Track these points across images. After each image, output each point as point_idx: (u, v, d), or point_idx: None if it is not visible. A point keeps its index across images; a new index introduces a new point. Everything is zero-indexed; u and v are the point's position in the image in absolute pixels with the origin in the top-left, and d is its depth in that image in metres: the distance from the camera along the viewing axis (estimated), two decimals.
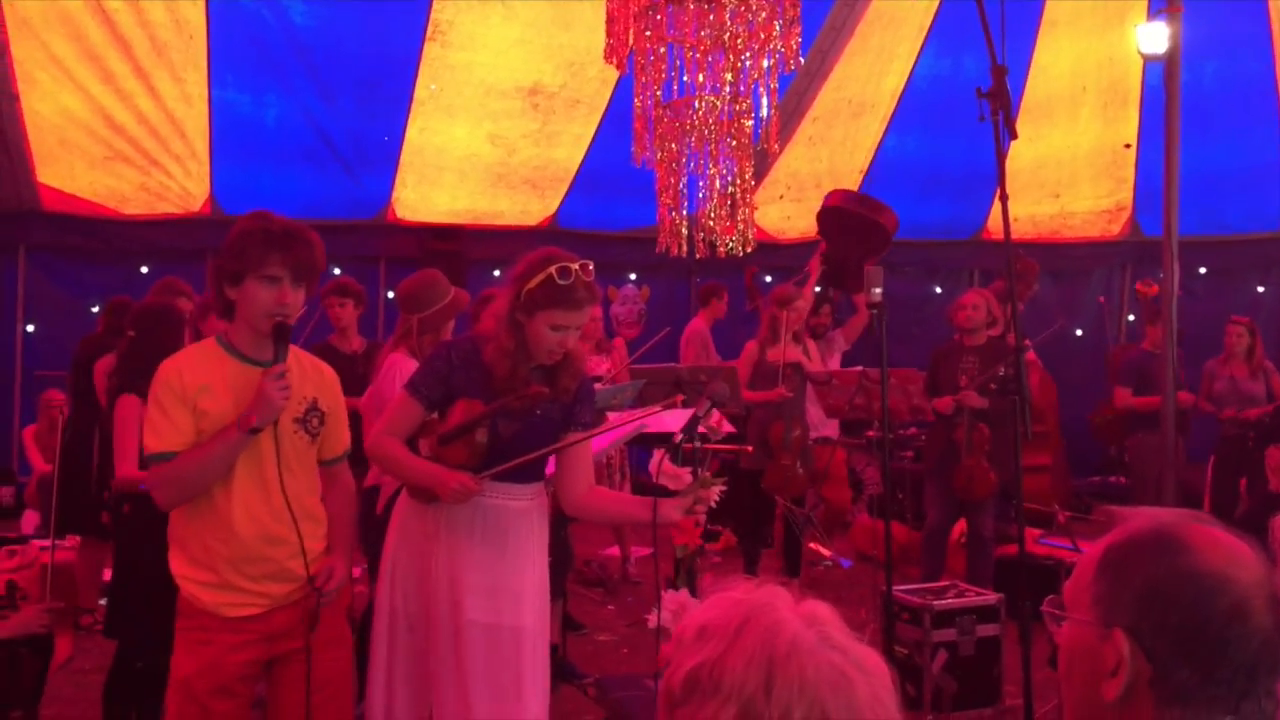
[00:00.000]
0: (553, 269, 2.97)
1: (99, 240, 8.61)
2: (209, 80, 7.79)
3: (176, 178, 8.43)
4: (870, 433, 8.24)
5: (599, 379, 5.81)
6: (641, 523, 2.90)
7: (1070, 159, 9.88)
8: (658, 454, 2.91)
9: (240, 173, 8.49)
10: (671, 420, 4.05)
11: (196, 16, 7.42)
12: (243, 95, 8.05)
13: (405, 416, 3.13)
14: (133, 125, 7.92)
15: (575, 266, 2.99)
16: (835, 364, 6.99)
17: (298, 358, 2.87)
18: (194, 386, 2.72)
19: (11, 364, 8.57)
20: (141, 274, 8.57)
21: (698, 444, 2.96)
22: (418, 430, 3.14)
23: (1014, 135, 2.86)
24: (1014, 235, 10.18)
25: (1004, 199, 2.85)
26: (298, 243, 2.73)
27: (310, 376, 2.90)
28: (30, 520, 7.22)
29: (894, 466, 8.19)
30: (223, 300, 2.78)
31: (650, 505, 2.88)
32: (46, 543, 6.17)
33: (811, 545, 6.65)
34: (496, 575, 3.05)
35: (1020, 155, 9.69)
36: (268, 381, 2.68)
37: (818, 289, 6.83)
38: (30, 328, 8.67)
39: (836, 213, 6.34)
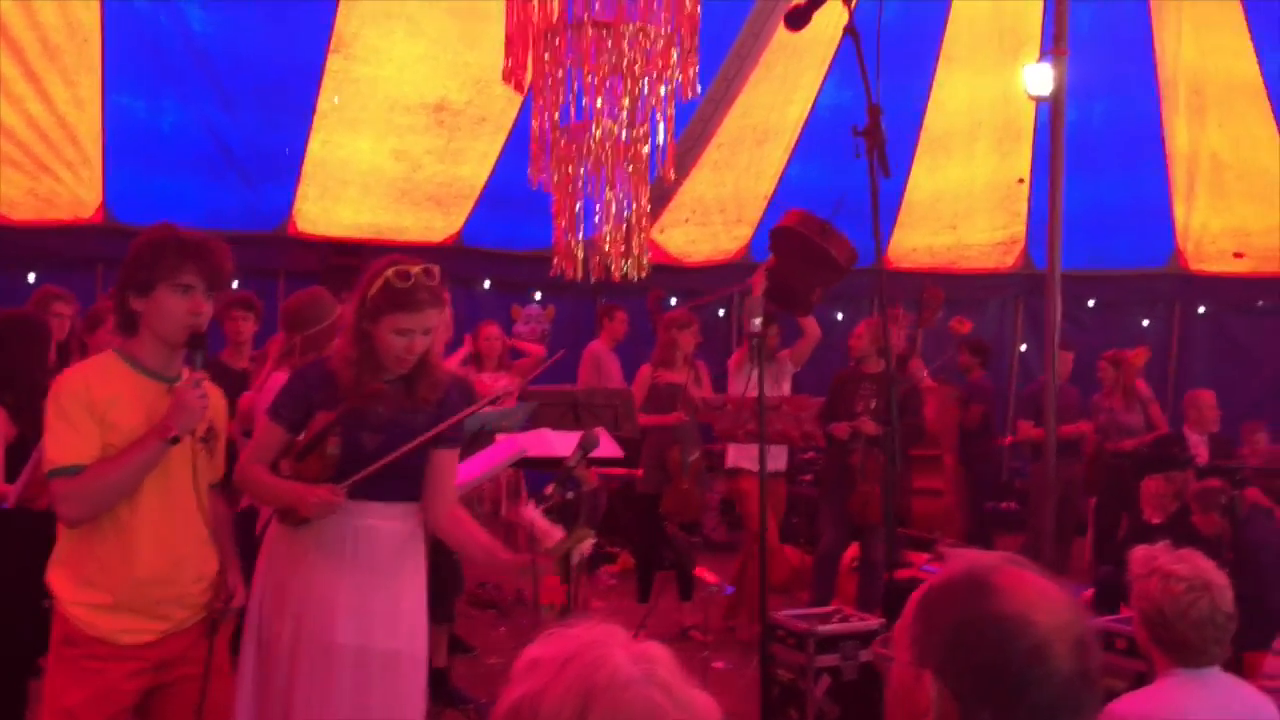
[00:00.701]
0: (390, 272, 2.94)
1: None
2: (103, 85, 7.60)
3: (67, 184, 8.20)
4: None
5: (495, 399, 5.78)
6: (502, 567, 2.89)
7: (967, 192, 10.14)
8: (529, 505, 2.91)
9: (136, 180, 8.29)
10: (556, 443, 4.05)
11: (91, 19, 7.26)
12: (138, 101, 7.88)
13: (268, 442, 3.08)
14: (22, 129, 7.69)
15: (415, 270, 2.95)
16: (786, 389, 6.90)
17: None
18: (102, 399, 2.66)
19: None
20: (29, 282, 8.30)
21: (570, 495, 2.95)
22: (282, 454, 3.09)
23: (886, 174, 2.93)
24: (913, 265, 10.46)
25: (876, 235, 2.92)
26: (211, 252, 2.71)
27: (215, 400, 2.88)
28: None
29: (792, 491, 8.28)
30: (125, 313, 2.72)
31: (509, 553, 2.88)
32: None
33: (697, 571, 6.69)
34: (369, 597, 3.00)
35: (919, 187, 9.92)
36: (186, 390, 2.65)
37: (757, 320, 6.63)
38: None
39: (791, 234, 6.22)
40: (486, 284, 10.08)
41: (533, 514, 2.87)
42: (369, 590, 3.01)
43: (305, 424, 3.05)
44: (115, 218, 8.35)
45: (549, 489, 2.96)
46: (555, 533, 2.91)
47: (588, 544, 2.90)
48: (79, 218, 8.39)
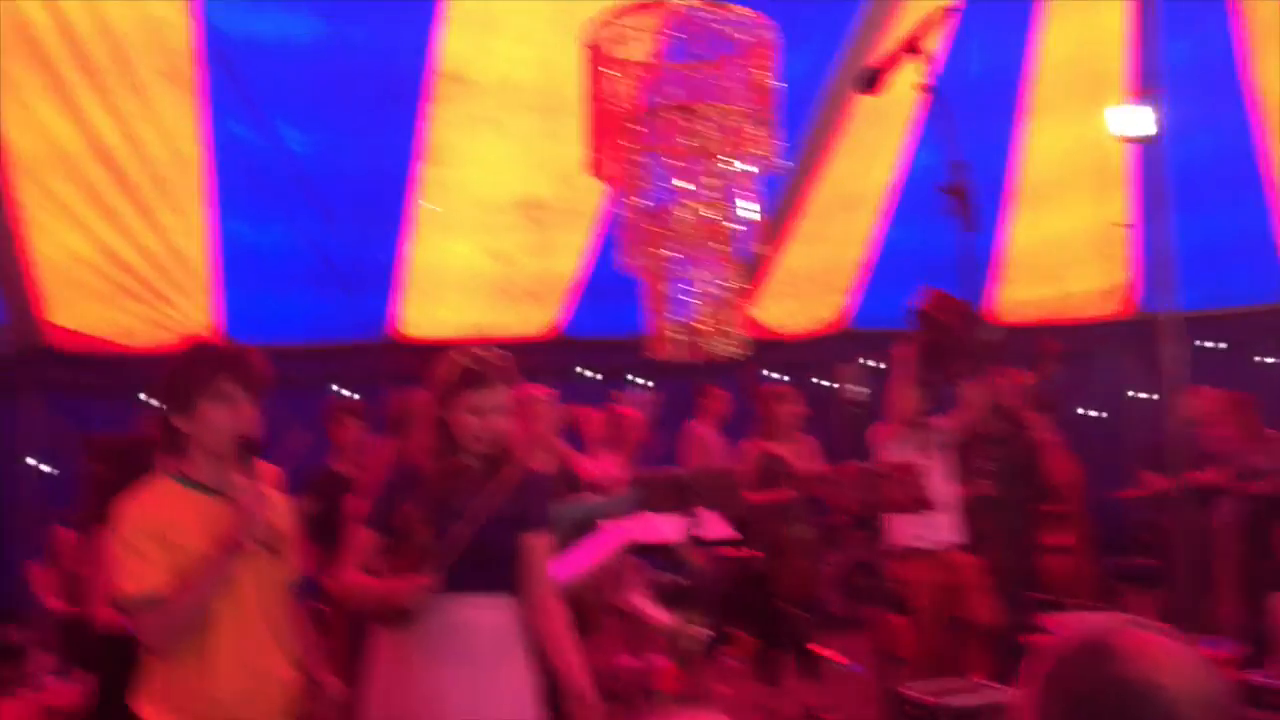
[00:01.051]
0: (458, 356, 3.06)
1: (106, 375, 8.69)
2: (211, 212, 7.95)
3: (183, 309, 8.54)
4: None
5: (599, 487, 5.78)
6: (575, 700, 2.84)
7: (1068, 241, 9.93)
8: (638, 591, 2.86)
9: (246, 300, 8.60)
10: (663, 527, 4.00)
11: (196, 150, 7.61)
12: (244, 224, 8.21)
13: (360, 546, 3.09)
14: (138, 261, 8.06)
15: (481, 351, 3.06)
16: (940, 458, 6.46)
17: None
18: (162, 523, 2.67)
19: (16, 502, 8.60)
20: (150, 406, 8.63)
21: (679, 579, 2.90)
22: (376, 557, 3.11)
23: (971, 229, 2.87)
24: (1018, 319, 10.21)
25: (973, 289, 2.86)
26: (246, 358, 2.76)
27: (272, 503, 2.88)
28: (40, 661, 7.15)
29: None
30: (170, 434, 2.74)
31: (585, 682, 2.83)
32: (54, 685, 6.15)
33: (814, 648, 6.51)
34: (475, 692, 2.96)
35: (1018, 239, 9.75)
36: (245, 496, 2.65)
37: (855, 388, 6.08)
38: (45, 468, 8.70)
39: (932, 319, 5.83)
40: (588, 373, 10.16)
41: (641, 600, 2.82)
42: (475, 685, 2.97)
43: (395, 524, 3.07)
44: (231, 338, 8.67)
45: (658, 574, 2.91)
46: (664, 618, 2.85)
47: (700, 629, 2.84)
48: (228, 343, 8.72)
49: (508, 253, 8.93)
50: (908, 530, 5.58)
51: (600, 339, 9.87)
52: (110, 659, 3.81)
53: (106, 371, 8.66)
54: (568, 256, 9.09)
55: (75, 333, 8.46)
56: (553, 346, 9.69)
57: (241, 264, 8.39)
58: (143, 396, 8.48)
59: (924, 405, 5.81)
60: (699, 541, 3.35)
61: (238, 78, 7.40)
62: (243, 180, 7.92)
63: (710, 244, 5.03)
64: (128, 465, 4.01)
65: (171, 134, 7.42)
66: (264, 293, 8.70)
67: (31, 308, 8.16)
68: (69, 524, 7.02)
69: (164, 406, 2.74)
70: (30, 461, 8.62)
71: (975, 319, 5.56)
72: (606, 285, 9.15)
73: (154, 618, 2.62)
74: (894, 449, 5.74)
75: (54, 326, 8.37)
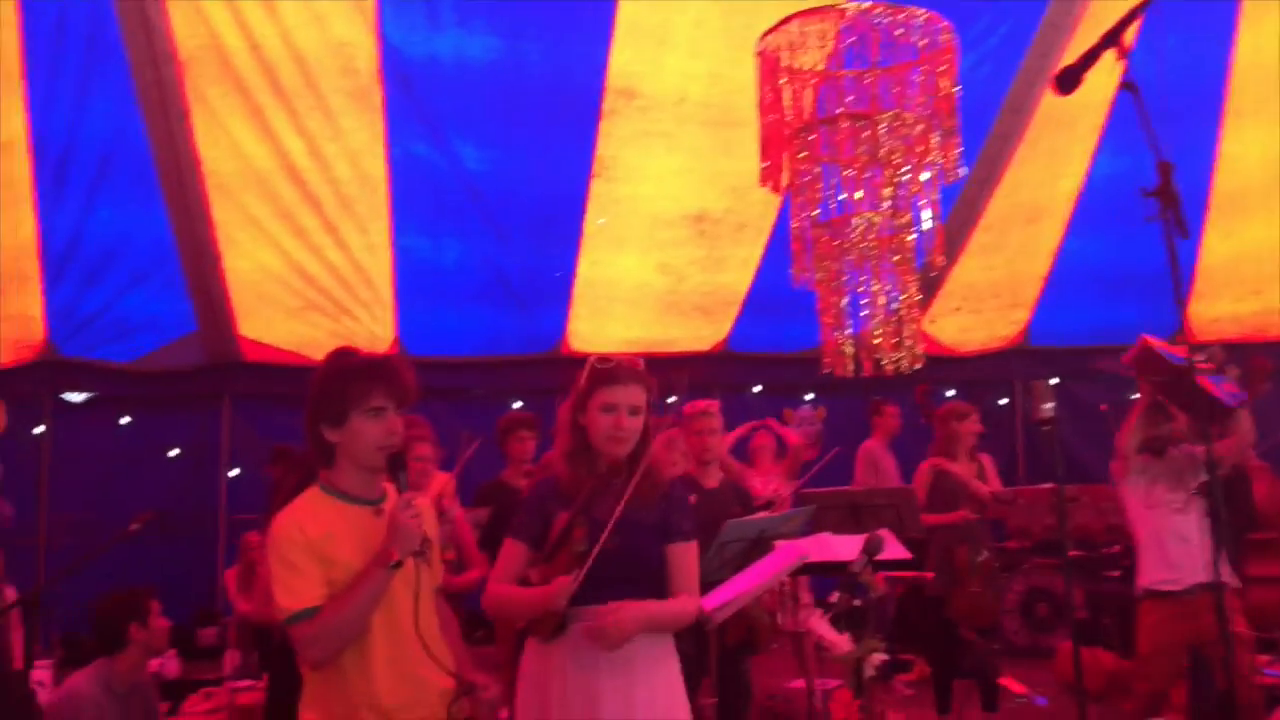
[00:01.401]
0: (592, 359, 3.10)
1: (295, 386, 9.03)
2: (391, 228, 8.20)
3: (364, 322, 8.83)
4: (1072, 553, 7.74)
5: (769, 504, 5.67)
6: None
7: (1269, 253, 9.29)
8: (815, 613, 2.74)
9: (423, 315, 8.84)
10: (838, 547, 3.87)
11: (379, 170, 7.86)
12: (423, 240, 8.43)
13: (510, 559, 3.07)
14: (323, 275, 8.38)
15: (614, 356, 3.09)
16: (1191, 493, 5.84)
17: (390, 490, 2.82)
18: (318, 537, 2.66)
19: (217, 509, 9.04)
20: None
21: (857, 602, 2.77)
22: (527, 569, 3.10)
23: (1184, 234, 2.66)
24: (1216, 335, 9.60)
25: (1180, 301, 2.64)
26: (395, 370, 2.72)
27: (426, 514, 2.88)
28: (231, 660, 7.47)
29: (1098, 589, 7.65)
30: (321, 446, 2.74)
31: None
32: (243, 684, 6.39)
33: (1002, 681, 6.21)
34: (627, 702, 2.92)
35: (1214, 251, 9.20)
36: (400, 512, 2.62)
37: (1047, 406, 5.42)
38: (234, 473, 9.13)
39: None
40: (756, 388, 10.05)
41: (819, 623, 2.71)
42: (628, 693, 2.94)
43: (545, 535, 3.04)
44: (407, 350, 8.92)
45: (834, 596, 2.79)
46: (843, 643, 2.73)
47: (876, 653, 2.71)
48: (377, 354, 8.99)
49: (677, 267, 8.92)
50: (1156, 572, 4.89)
51: (768, 354, 9.76)
52: (281, 661, 3.90)
53: (294, 382, 9.01)
54: (738, 270, 9.02)
55: (264, 345, 8.86)
56: (721, 361, 9.62)
57: (419, 279, 8.62)
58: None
59: (1177, 435, 5.05)
60: (875, 563, 3.21)
61: (416, 97, 7.62)
62: (420, 197, 8.15)
63: (887, 256, 4.88)
64: (309, 473, 4.13)
65: (356, 153, 7.68)
66: (440, 307, 8.92)
67: (224, 321, 8.58)
68: (256, 528, 7.33)
69: (313, 418, 2.71)
70: (225, 468, 9.07)
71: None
72: (775, 299, 9.06)
73: (311, 631, 2.61)
74: (1137, 482, 5.03)
75: (244, 339, 8.79)
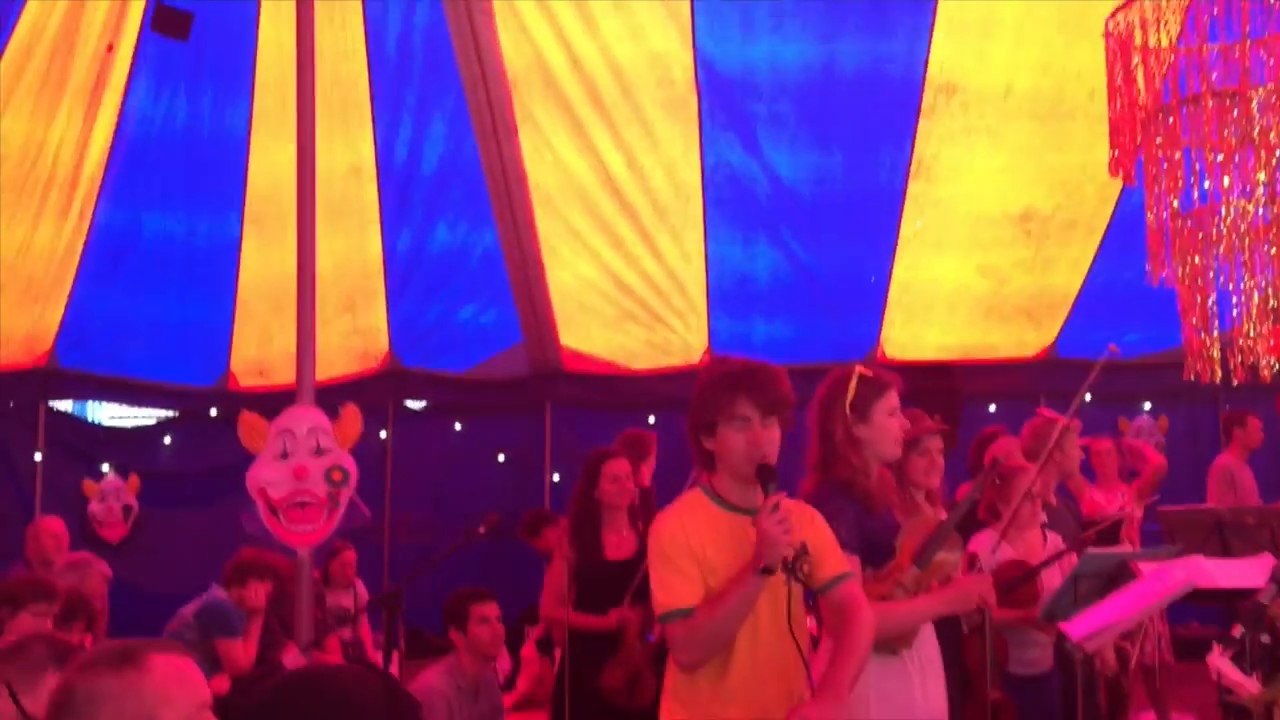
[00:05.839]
0: (850, 371, 3.17)
1: (610, 395, 9.27)
2: (705, 237, 8.24)
3: (678, 332, 8.93)
4: None
5: (1120, 521, 5.24)
6: None
7: None
8: (1215, 649, 2.43)
9: (735, 323, 8.83)
10: (1216, 574, 3.45)
11: (693, 179, 7.92)
12: (734, 249, 8.42)
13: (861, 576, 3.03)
14: (640, 285, 8.54)
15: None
16: None
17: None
18: (698, 541, 2.68)
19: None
20: (649, 424, 9.09)
21: (1265, 639, 2.44)
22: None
23: None
24: None
25: None
26: (760, 379, 2.69)
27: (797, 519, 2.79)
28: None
29: None
30: (701, 452, 2.78)
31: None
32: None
33: None
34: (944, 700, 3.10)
35: None
36: (765, 519, 2.56)
37: None
38: (556, 477, 9.45)
39: None
40: (1088, 397, 9.37)
41: (1220, 660, 2.39)
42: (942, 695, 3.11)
43: (870, 545, 3.06)
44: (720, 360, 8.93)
45: (1236, 630, 2.46)
46: (1250, 684, 2.41)
47: None
48: (688, 363, 9.08)
49: (1000, 269, 8.47)
50: None
51: (1099, 360, 9.08)
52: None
53: (609, 390, 9.26)
54: (1067, 271, 8.46)
55: (583, 355, 9.13)
56: (1047, 367, 9.05)
57: (731, 287, 8.62)
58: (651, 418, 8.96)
59: None
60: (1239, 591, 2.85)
61: (730, 105, 7.63)
62: (733, 205, 8.15)
63: (1262, 247, 4.37)
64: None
65: (672, 163, 7.78)
66: (752, 315, 8.88)
67: (547, 331, 8.91)
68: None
69: (691, 426, 2.77)
70: (548, 473, 9.42)
71: None
72: (1109, 300, 8.45)
73: (684, 633, 2.63)
74: None
75: (565, 349, 9.09)
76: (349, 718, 1.47)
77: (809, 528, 2.77)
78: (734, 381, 2.70)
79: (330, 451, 4.67)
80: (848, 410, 3.10)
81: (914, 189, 7.90)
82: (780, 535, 2.56)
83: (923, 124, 7.54)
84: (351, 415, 4.79)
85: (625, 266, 8.43)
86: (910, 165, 7.78)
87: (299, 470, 4.68)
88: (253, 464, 4.89)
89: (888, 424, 3.12)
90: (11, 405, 8.58)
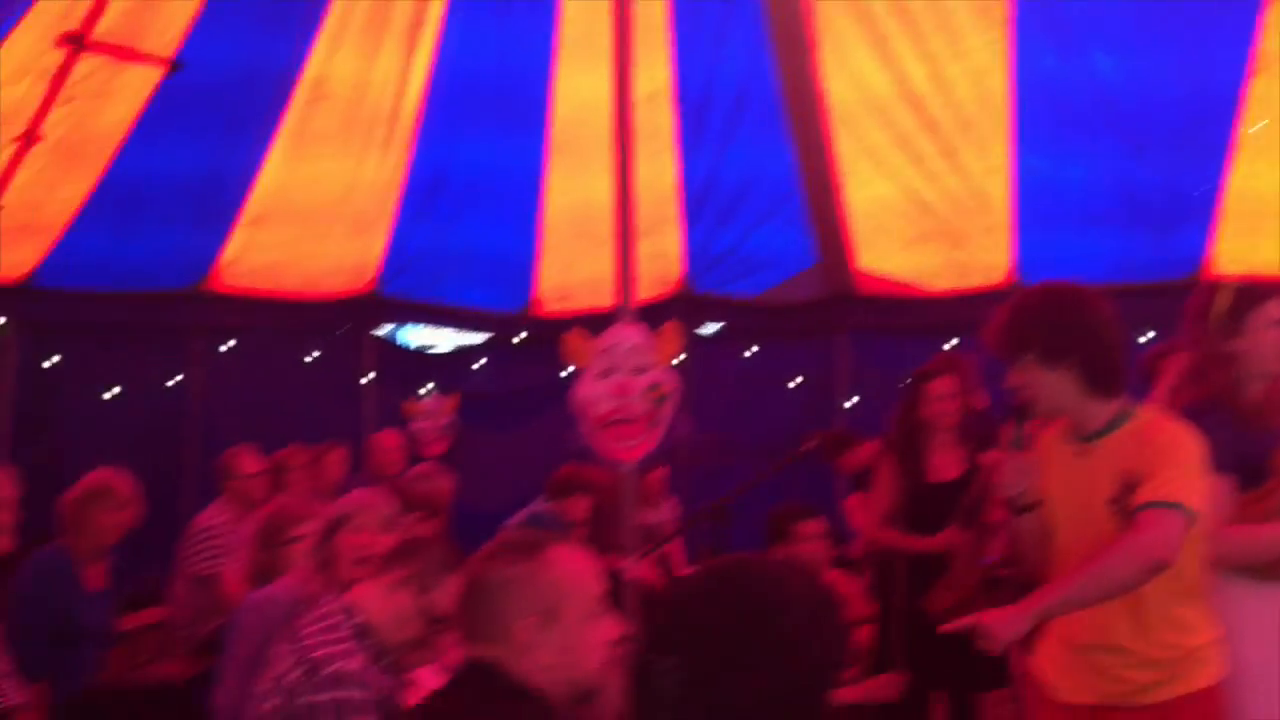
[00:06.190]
0: (1224, 284, 3.08)
1: (909, 319, 9.00)
2: (1013, 150, 7.80)
3: (980, 251, 8.54)
4: None
5: None
6: None
7: None
8: None
9: (1044, 241, 8.35)
10: None
11: (1000, 88, 7.50)
12: (1046, 161, 7.94)
13: (1219, 501, 2.84)
14: (940, 203, 8.21)
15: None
16: None
17: None
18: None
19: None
20: (945, 349, 8.77)
21: None
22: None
23: None
24: None
25: None
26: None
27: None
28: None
29: None
30: None
31: None
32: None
33: None
34: None
35: None
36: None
37: None
38: (849, 404, 9.31)
39: None
40: None
41: None
42: None
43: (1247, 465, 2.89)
44: (1023, 280, 8.48)
45: None
46: None
47: None
48: (990, 283, 8.67)
49: None
50: None
51: None
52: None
53: (907, 314, 8.99)
54: None
55: (879, 277, 8.89)
56: None
57: (1040, 203, 8.14)
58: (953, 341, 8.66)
59: None
60: None
61: (1046, 5, 7.15)
62: (1046, 114, 7.67)
63: None
64: None
65: (980, 72, 7.41)
66: (1062, 233, 8.37)
67: (842, 254, 8.73)
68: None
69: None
70: (841, 398, 9.29)
71: None
72: None
73: (1194, 531, 2.61)
74: None
75: (860, 272, 8.88)
76: (782, 604, 1.46)
77: (1145, 449, 2.63)
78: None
79: (652, 368, 4.73)
80: (1218, 323, 2.95)
81: (1257, 87, 7.19)
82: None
83: (1271, 13, 6.85)
84: (673, 332, 4.84)
85: (925, 183, 8.12)
86: (1252, 59, 7.07)
87: (621, 387, 4.77)
88: (575, 381, 5.03)
89: (1265, 336, 2.93)
90: (340, 332, 9.26)
